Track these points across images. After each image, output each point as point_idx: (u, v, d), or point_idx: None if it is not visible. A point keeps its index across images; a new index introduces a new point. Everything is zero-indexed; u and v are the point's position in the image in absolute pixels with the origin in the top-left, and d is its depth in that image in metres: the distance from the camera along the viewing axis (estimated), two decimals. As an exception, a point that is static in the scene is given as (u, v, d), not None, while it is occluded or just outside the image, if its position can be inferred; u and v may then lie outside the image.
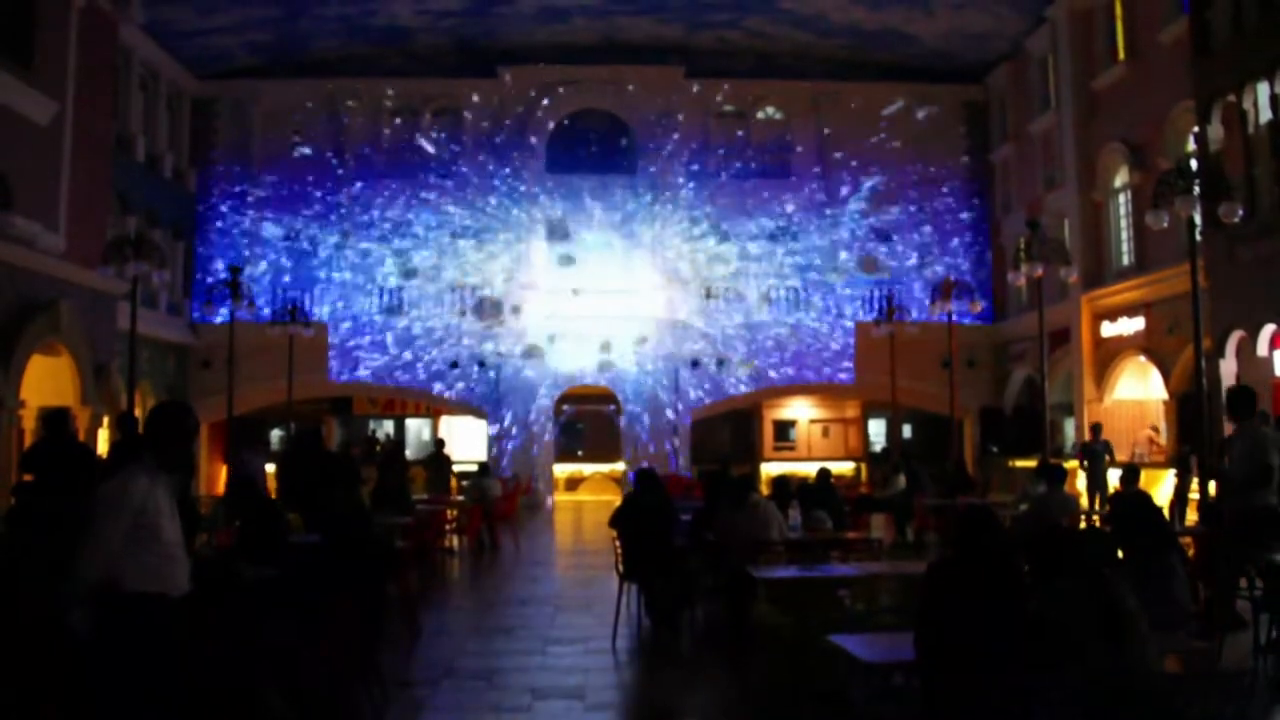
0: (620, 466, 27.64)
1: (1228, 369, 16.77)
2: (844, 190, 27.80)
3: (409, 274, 27.20)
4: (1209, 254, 16.01)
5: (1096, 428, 18.76)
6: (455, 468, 23.04)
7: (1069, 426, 23.24)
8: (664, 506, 10.60)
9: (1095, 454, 18.07)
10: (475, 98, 27.68)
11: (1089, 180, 22.21)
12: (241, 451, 16.74)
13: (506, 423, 26.70)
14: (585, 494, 29.22)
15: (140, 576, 4.89)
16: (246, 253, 26.79)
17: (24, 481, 9.78)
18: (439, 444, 21.59)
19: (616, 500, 21.11)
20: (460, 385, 26.78)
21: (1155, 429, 20.40)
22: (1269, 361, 16.50)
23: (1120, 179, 21.55)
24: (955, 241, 27.88)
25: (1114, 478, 15.24)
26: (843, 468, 27.58)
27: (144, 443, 5.34)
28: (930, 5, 24.41)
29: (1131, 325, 20.62)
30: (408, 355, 26.66)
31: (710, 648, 9.78)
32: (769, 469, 26.64)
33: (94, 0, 19.11)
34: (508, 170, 27.47)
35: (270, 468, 16.38)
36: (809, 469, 21.70)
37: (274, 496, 11.87)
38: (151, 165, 24.68)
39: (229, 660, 5.60)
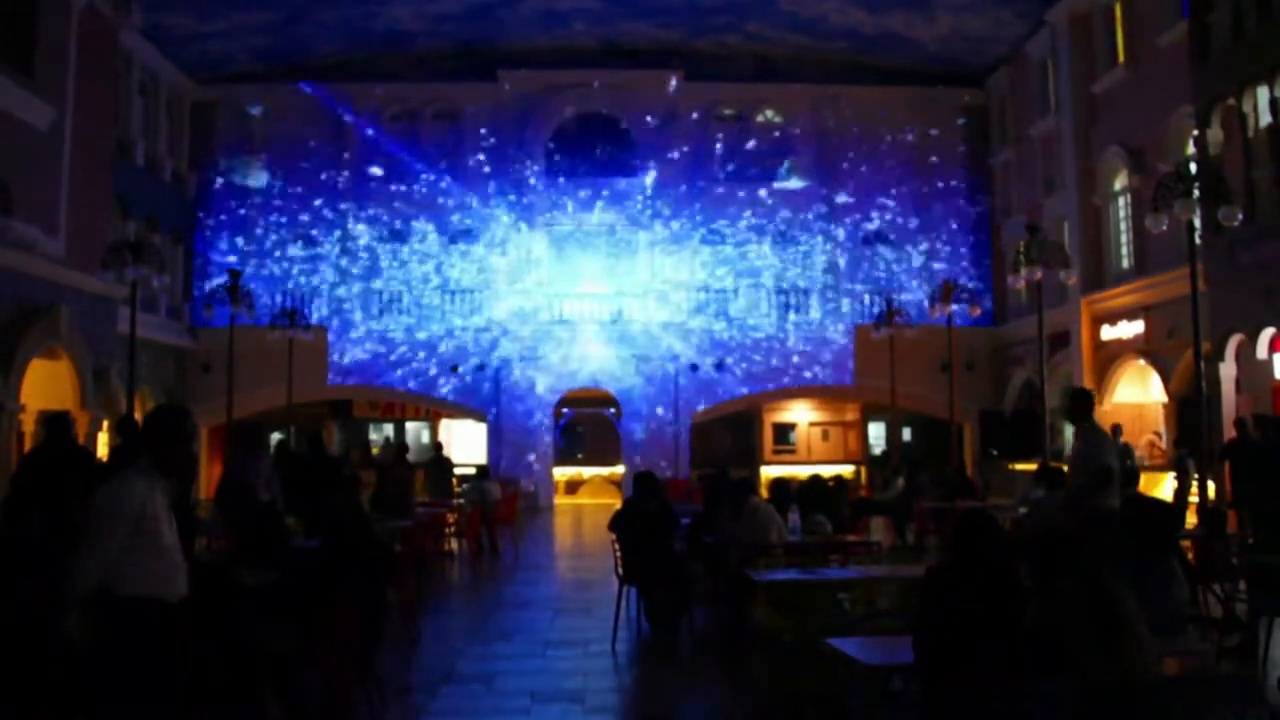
0: (620, 470, 27.64)
1: (1227, 372, 16.78)
2: (844, 193, 27.81)
3: (409, 277, 27.24)
4: (1208, 257, 16.02)
5: (1116, 430, 18.33)
6: (455, 471, 23.00)
7: (1069, 430, 23.20)
8: (664, 510, 10.59)
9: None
10: (475, 102, 27.71)
11: (1089, 184, 22.23)
12: (244, 457, 16.70)
13: (505, 426, 26.69)
14: (585, 497, 29.21)
15: (139, 581, 4.87)
16: (246, 256, 26.81)
17: (13, 485, 9.72)
18: (437, 447, 21.60)
19: (616, 503, 21.09)
20: (460, 388, 26.79)
21: (1158, 434, 20.38)
22: (1268, 365, 16.50)
23: (1120, 182, 21.57)
24: (955, 245, 27.90)
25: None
26: (843, 470, 27.56)
27: (141, 447, 5.32)
28: (930, 9, 24.42)
29: (1131, 328, 20.63)
30: (407, 358, 26.67)
31: (710, 651, 9.77)
32: (769, 472, 26.62)
33: (94, 5, 19.12)
34: (507, 174, 27.49)
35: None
36: (809, 472, 21.68)
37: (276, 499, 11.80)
38: (151, 170, 24.71)
39: (227, 665, 5.59)
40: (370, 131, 27.67)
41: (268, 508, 9.97)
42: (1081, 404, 9.53)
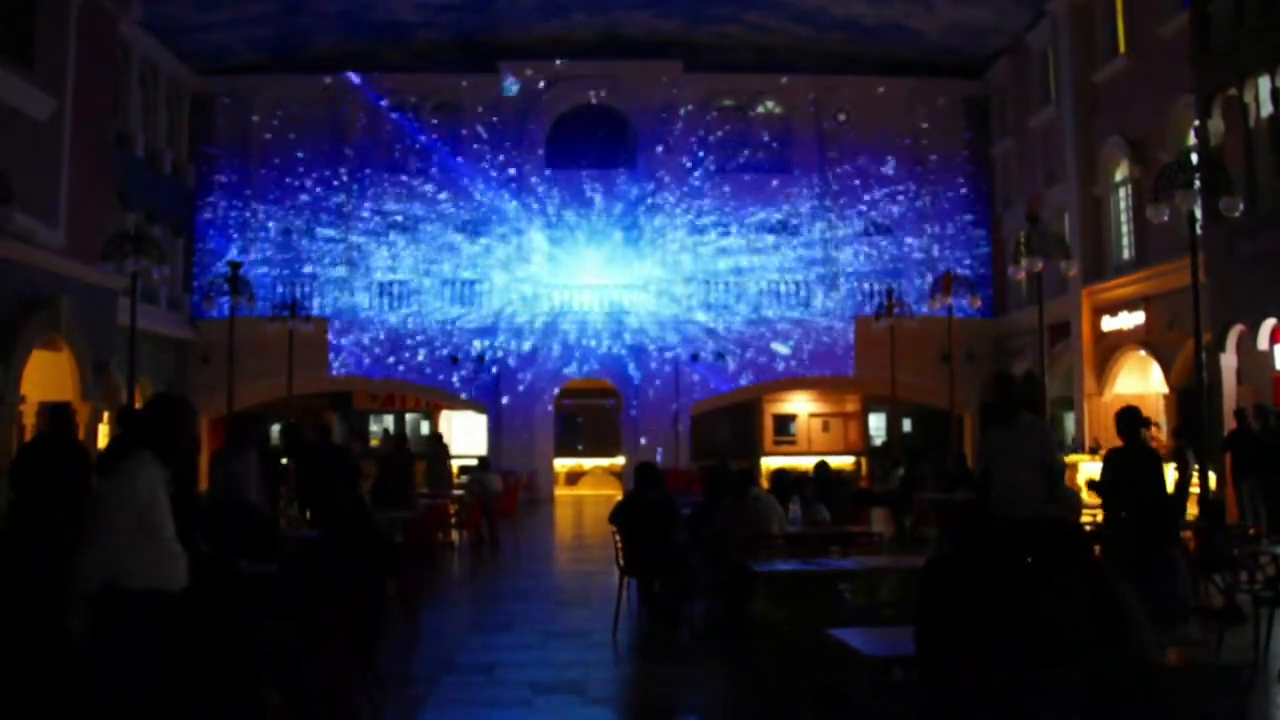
0: (620, 461, 27.64)
1: (1228, 363, 16.76)
2: (844, 184, 27.77)
3: (409, 268, 27.24)
4: (1209, 248, 15.99)
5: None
6: (455, 462, 22.98)
7: (1069, 421, 23.23)
8: (665, 502, 10.58)
9: None
10: (475, 93, 27.67)
11: (1089, 174, 22.19)
12: (232, 449, 16.65)
13: (506, 417, 26.67)
14: (585, 488, 29.22)
15: (143, 574, 4.81)
16: (246, 248, 26.80)
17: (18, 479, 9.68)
18: (436, 438, 21.56)
19: (616, 495, 21.12)
20: (460, 379, 26.78)
21: (1156, 425, 20.35)
22: (1269, 355, 16.48)
23: (1120, 173, 21.54)
24: (955, 236, 27.87)
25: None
26: (843, 462, 27.57)
27: (142, 436, 5.25)
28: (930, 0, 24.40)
29: (1132, 319, 20.61)
30: (407, 350, 26.66)
31: (710, 642, 9.78)
32: (769, 463, 26.63)
33: (93, -5, 19.10)
34: (507, 165, 27.46)
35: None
36: (809, 463, 21.66)
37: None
38: (151, 161, 24.67)
39: (228, 657, 5.59)
40: (369, 122, 27.64)
41: (245, 507, 9.78)
42: (1013, 394, 7.98)
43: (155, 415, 5.22)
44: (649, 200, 27.37)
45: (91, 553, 4.70)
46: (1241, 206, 13.59)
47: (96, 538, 4.73)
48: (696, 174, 27.60)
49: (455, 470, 22.27)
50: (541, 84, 27.57)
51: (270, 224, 27.29)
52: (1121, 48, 21.39)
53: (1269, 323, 15.98)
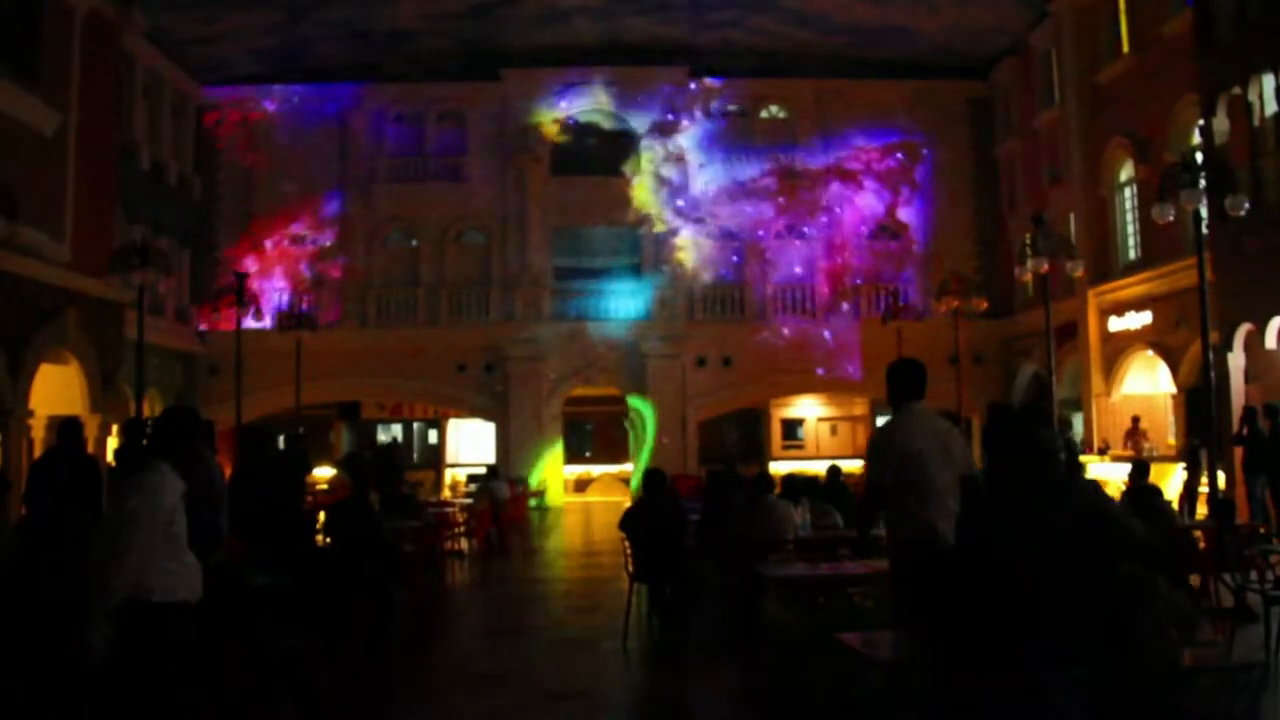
0: (628, 467, 27.62)
1: (1236, 362, 16.73)
2: (849, 187, 27.76)
3: (415, 277, 27.27)
4: (1216, 247, 15.93)
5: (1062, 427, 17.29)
6: (464, 471, 22.99)
7: (1078, 422, 23.19)
8: (673, 509, 10.56)
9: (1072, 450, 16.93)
10: (479, 101, 27.72)
11: (1094, 175, 22.17)
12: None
13: (514, 425, 26.66)
14: (594, 495, 29.21)
15: (165, 586, 4.80)
16: (252, 258, 26.82)
17: (32, 494, 9.68)
18: (385, 446, 21.27)
19: (625, 501, 21.10)
20: (468, 388, 26.79)
21: (1135, 418, 20.11)
22: (1277, 354, 16.44)
23: (1125, 173, 21.52)
24: (961, 237, 27.83)
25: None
26: (852, 465, 27.49)
27: (158, 448, 5.22)
28: (933, 1, 24.36)
29: (1139, 319, 20.58)
30: (415, 359, 26.66)
31: (721, 647, 9.76)
32: (777, 468, 26.58)
33: (97, 9, 19.14)
34: (512, 172, 27.48)
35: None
36: (817, 467, 21.63)
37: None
38: (156, 173, 24.73)
39: (239, 665, 5.59)
40: (374, 132, 27.70)
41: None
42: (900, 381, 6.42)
43: (174, 427, 5.21)
44: (654, 205, 27.37)
45: (122, 568, 4.67)
46: (1247, 205, 13.57)
47: (128, 553, 4.69)
48: (701, 179, 27.60)
49: (463, 480, 22.24)
50: (546, 91, 27.63)
51: (276, 233, 27.33)
52: (1125, 47, 21.38)
53: (1276, 321, 15.94)
